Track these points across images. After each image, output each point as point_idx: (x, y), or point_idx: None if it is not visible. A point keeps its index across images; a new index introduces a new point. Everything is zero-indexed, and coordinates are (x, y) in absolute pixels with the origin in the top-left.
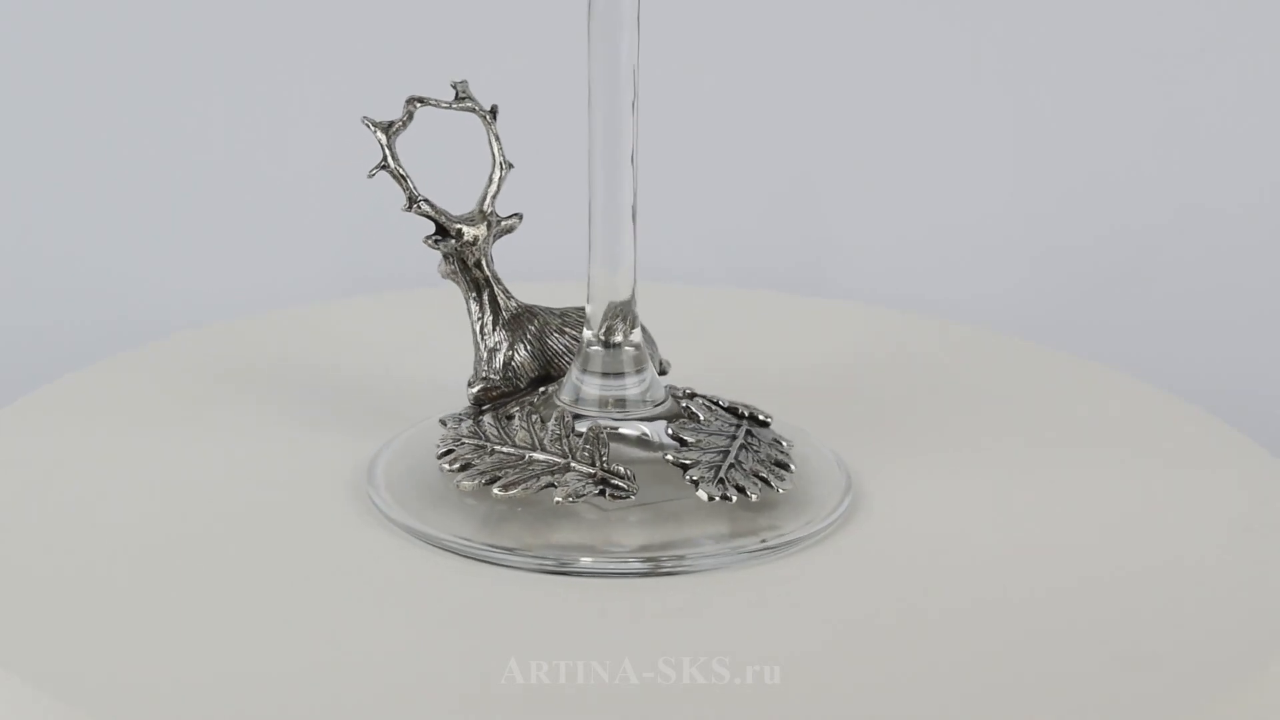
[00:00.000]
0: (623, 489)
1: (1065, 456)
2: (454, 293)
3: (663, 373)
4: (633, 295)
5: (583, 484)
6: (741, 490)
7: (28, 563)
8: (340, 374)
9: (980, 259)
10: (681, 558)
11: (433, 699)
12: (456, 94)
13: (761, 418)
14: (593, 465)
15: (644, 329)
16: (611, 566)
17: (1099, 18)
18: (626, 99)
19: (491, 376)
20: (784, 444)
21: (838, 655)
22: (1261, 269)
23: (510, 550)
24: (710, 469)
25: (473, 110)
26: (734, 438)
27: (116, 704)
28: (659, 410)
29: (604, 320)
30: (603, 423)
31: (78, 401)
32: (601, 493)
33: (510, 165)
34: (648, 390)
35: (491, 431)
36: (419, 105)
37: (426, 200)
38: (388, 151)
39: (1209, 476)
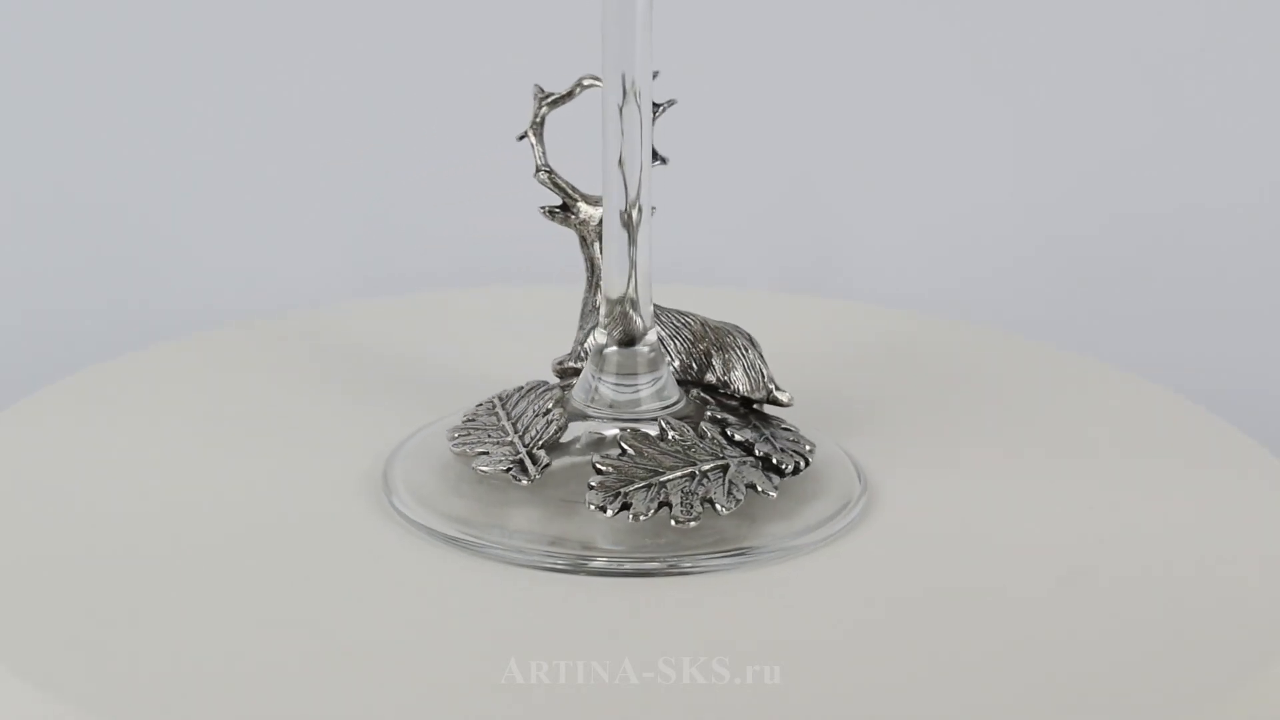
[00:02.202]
0: (525, 473)
1: (1069, 457)
2: (465, 294)
3: (774, 401)
4: (648, 298)
5: (502, 459)
6: (627, 507)
7: (35, 564)
8: (351, 375)
9: (984, 258)
10: (692, 558)
11: (432, 698)
12: (580, 87)
13: (779, 463)
14: (525, 445)
15: (762, 361)
16: (627, 567)
17: (1098, 17)
18: (638, 100)
19: (575, 353)
20: (762, 491)
21: (838, 655)
22: (1263, 266)
23: (520, 549)
24: (619, 482)
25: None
26: (692, 464)
27: (121, 705)
28: (650, 413)
29: (612, 319)
30: (599, 420)
31: (84, 402)
32: (508, 470)
33: (662, 160)
34: (660, 392)
35: (509, 400)
36: (586, 85)
37: (552, 171)
38: (537, 119)
39: (1214, 477)
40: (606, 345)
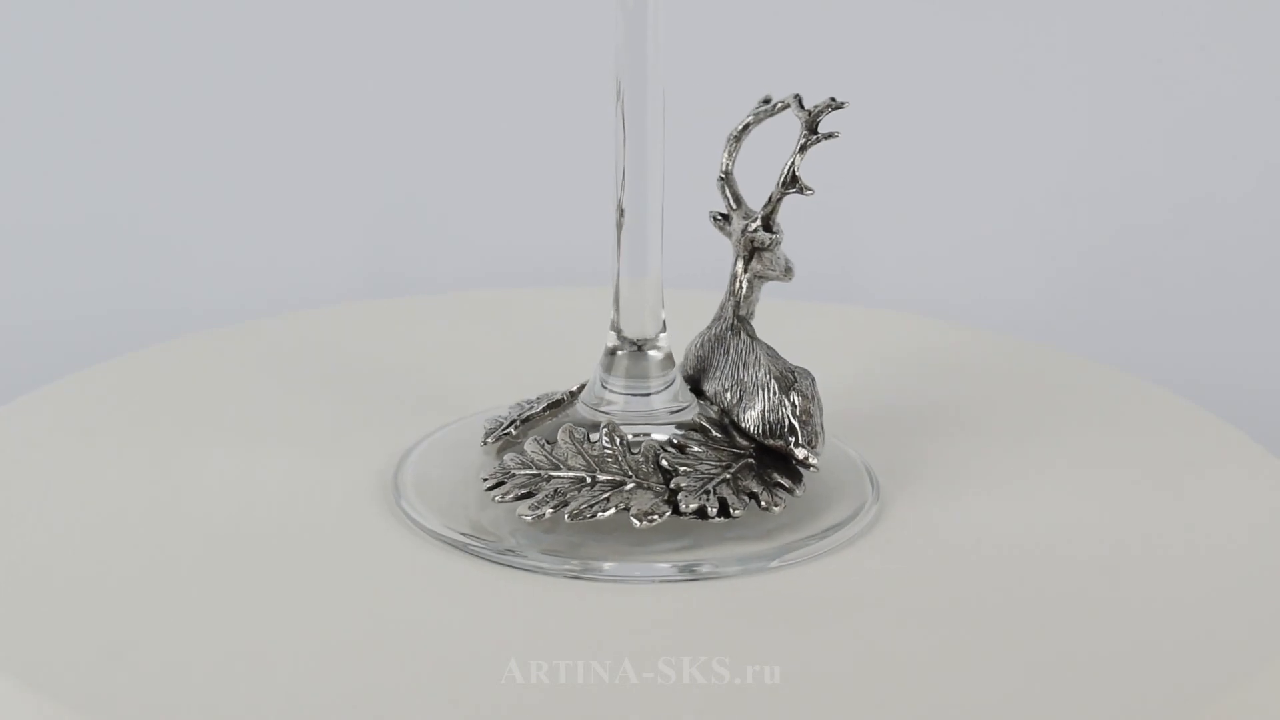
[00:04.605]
0: (485, 439)
1: (1081, 463)
2: (468, 297)
3: (788, 453)
4: (649, 302)
5: (495, 425)
6: (499, 484)
7: (36, 566)
8: (359, 377)
9: (997, 262)
10: (699, 563)
11: (432, 699)
12: (818, 106)
13: (681, 503)
14: (512, 426)
15: (792, 412)
16: (634, 573)
17: (1104, 19)
18: (654, 106)
19: (685, 361)
20: (637, 522)
21: (838, 656)
22: (1263, 265)
23: (526, 553)
24: (520, 465)
25: (797, 117)
26: (592, 471)
27: (121, 707)
28: (635, 417)
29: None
30: (595, 417)
31: (86, 402)
32: (486, 433)
33: (800, 189)
34: (672, 398)
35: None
36: (785, 105)
37: (728, 180)
38: (743, 125)
39: (1223, 482)
40: (617, 347)
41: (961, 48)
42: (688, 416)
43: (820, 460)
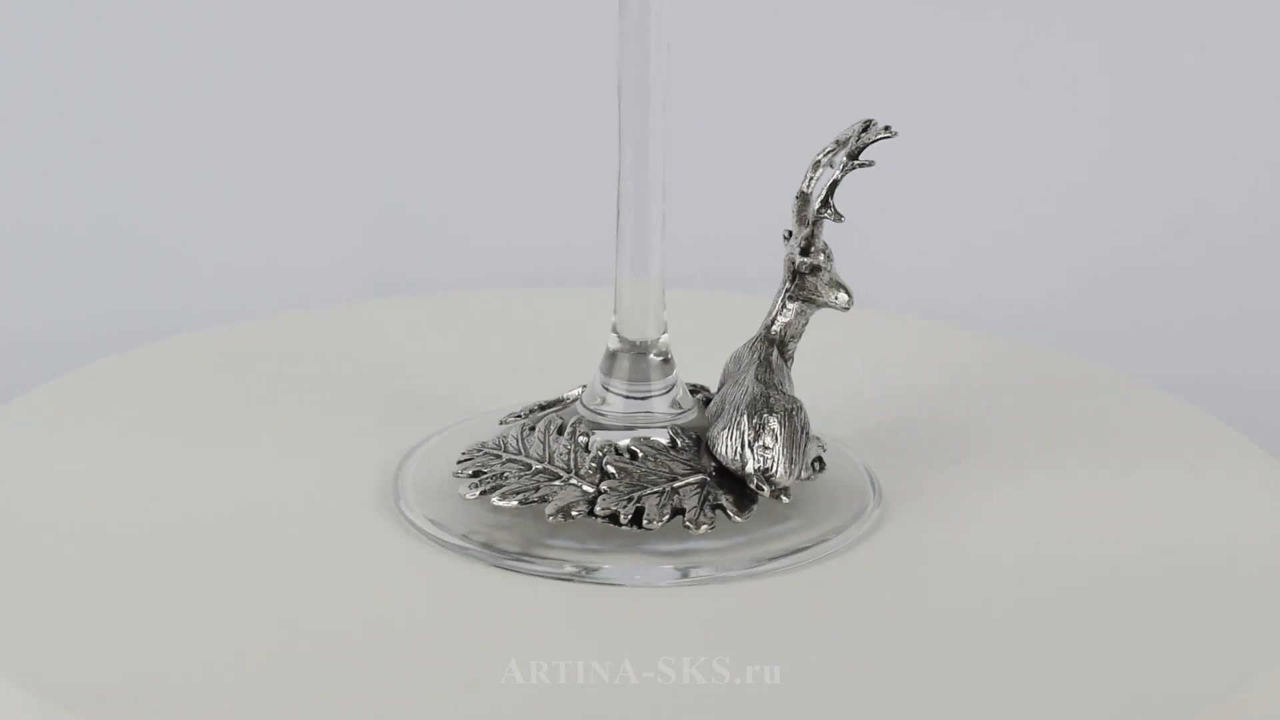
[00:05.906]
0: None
1: (1080, 463)
2: (468, 297)
3: (745, 477)
4: (651, 305)
5: (525, 409)
6: (469, 459)
7: (35, 567)
8: (359, 377)
9: (999, 263)
10: (699, 565)
11: (432, 699)
12: (868, 135)
13: (599, 507)
14: (530, 411)
15: (754, 439)
16: (635, 576)
17: (1104, 21)
18: (656, 106)
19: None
20: (550, 518)
21: (838, 656)
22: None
23: (526, 555)
24: (476, 455)
25: (851, 144)
26: (540, 463)
27: (118, 708)
28: (650, 420)
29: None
30: (589, 416)
31: (81, 402)
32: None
33: (833, 216)
34: (672, 403)
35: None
36: (873, 129)
37: (802, 200)
38: (829, 149)
39: (1227, 484)
40: (618, 349)
41: (961, 48)
42: (681, 423)
43: (796, 486)
